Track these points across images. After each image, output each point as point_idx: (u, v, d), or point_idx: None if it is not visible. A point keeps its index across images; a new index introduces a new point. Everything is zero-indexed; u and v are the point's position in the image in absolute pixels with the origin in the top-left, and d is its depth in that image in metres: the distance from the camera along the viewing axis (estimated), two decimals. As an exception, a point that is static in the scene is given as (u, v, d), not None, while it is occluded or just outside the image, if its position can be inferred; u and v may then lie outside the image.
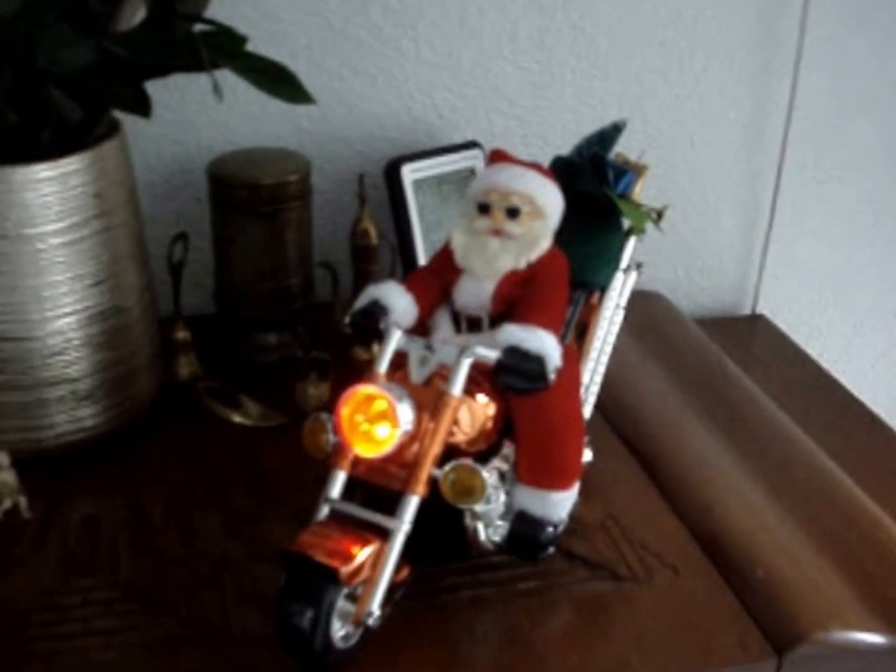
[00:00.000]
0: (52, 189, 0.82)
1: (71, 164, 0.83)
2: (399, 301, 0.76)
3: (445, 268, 0.78)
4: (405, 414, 0.69)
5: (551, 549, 0.79)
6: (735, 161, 1.33)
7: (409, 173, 1.11)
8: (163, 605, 0.77)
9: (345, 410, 0.70)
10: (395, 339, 0.74)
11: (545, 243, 0.77)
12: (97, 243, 0.87)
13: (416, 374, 0.74)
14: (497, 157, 0.81)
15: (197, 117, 1.14)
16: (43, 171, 0.82)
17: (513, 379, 0.70)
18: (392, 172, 1.11)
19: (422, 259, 1.11)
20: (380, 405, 0.69)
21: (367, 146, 1.20)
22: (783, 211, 1.36)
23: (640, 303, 1.27)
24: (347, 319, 0.76)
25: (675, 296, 1.36)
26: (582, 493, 0.82)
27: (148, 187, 1.14)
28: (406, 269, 1.12)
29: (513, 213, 0.76)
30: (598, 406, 0.99)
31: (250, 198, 1.03)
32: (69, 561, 0.81)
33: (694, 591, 0.80)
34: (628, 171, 0.89)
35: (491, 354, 0.70)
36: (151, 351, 0.97)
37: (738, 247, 1.39)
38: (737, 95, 1.29)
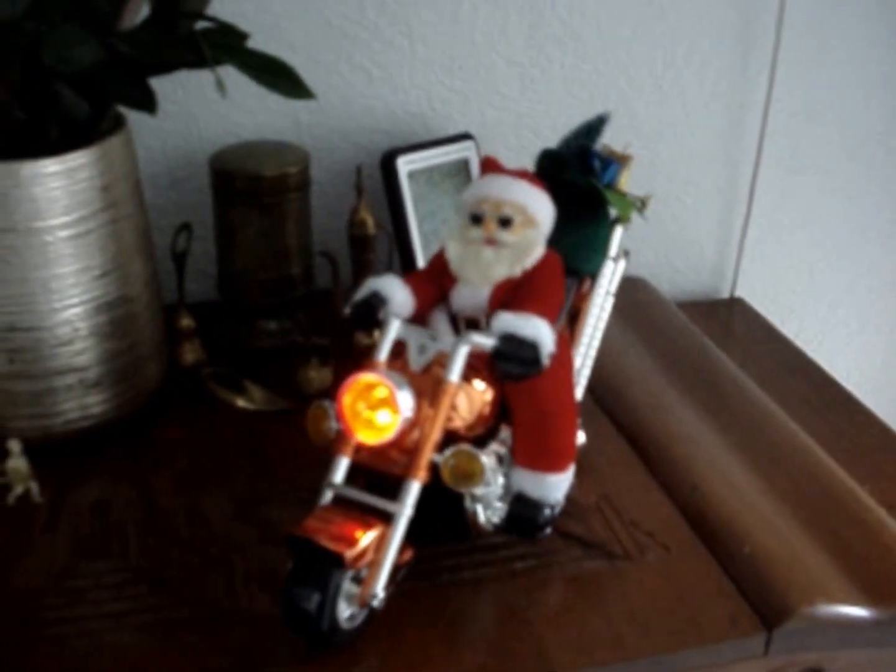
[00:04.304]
0: (59, 183, 0.80)
1: (78, 159, 0.81)
2: (397, 293, 0.75)
3: (442, 273, 0.77)
4: (405, 401, 0.68)
5: (548, 530, 0.78)
6: (715, 152, 1.31)
7: (404, 165, 1.09)
8: (172, 587, 0.75)
9: (347, 398, 0.68)
10: (395, 328, 0.72)
11: (538, 250, 0.76)
12: (104, 235, 0.84)
13: (415, 361, 0.72)
14: (488, 166, 0.79)
15: (199, 111, 1.11)
16: (50, 166, 0.79)
17: (508, 365, 0.69)
18: (388, 164, 1.08)
19: (417, 247, 1.09)
20: (380, 392, 0.68)
21: (364, 138, 1.17)
22: (760, 199, 1.35)
23: (625, 288, 1.25)
24: (348, 310, 0.74)
25: (658, 281, 1.34)
26: (576, 474, 0.80)
27: (152, 179, 1.11)
28: (402, 257, 1.10)
29: (505, 222, 0.75)
30: (589, 389, 0.97)
31: (251, 189, 1.00)
32: (80, 545, 0.79)
33: (685, 569, 0.78)
34: (613, 162, 0.87)
35: (487, 342, 0.69)
36: (157, 339, 0.94)
37: (718, 233, 1.37)
38: (717, 89, 1.27)
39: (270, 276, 1.05)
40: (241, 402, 0.97)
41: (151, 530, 0.81)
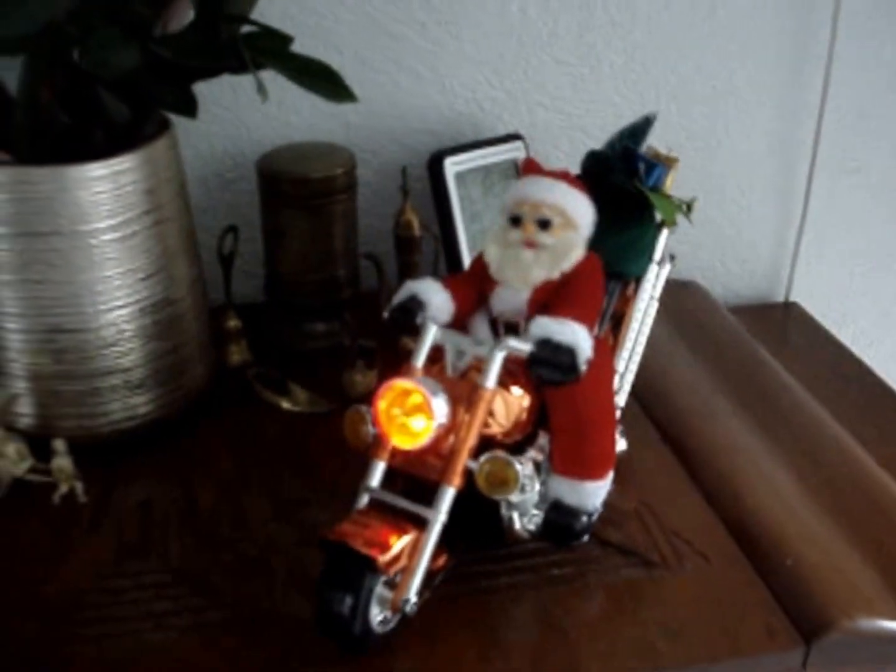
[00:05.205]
0: (104, 187, 0.81)
1: (122, 163, 0.82)
2: (435, 297, 0.75)
3: (482, 276, 0.77)
4: (440, 407, 0.68)
5: (585, 537, 0.78)
6: (769, 151, 1.29)
7: (451, 166, 1.09)
8: (212, 588, 0.76)
9: (382, 404, 0.69)
10: (432, 334, 0.72)
11: (578, 253, 0.75)
12: (148, 238, 0.85)
13: (453, 367, 0.72)
14: (528, 168, 0.79)
15: (248, 113, 1.13)
16: (95, 170, 0.81)
17: (545, 371, 0.69)
18: (435, 165, 1.09)
19: (464, 249, 1.09)
20: (415, 399, 0.68)
21: (412, 139, 1.18)
22: (816, 200, 1.33)
23: (676, 291, 1.26)
24: (386, 314, 0.75)
25: (711, 284, 1.33)
26: (616, 480, 0.80)
27: (202, 181, 1.13)
28: (449, 259, 1.11)
29: (544, 224, 0.75)
30: (633, 393, 0.97)
31: (298, 191, 1.02)
32: (122, 545, 0.80)
33: (723, 579, 0.78)
34: (658, 165, 0.87)
35: (524, 347, 0.69)
36: (202, 340, 0.96)
37: (772, 235, 1.35)
38: (771, 87, 1.25)
39: (317, 277, 1.06)
40: (285, 404, 0.99)
41: (193, 531, 0.82)
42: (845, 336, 1.29)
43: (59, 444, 0.83)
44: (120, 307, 0.85)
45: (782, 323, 1.33)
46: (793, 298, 1.38)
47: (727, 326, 1.19)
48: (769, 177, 1.31)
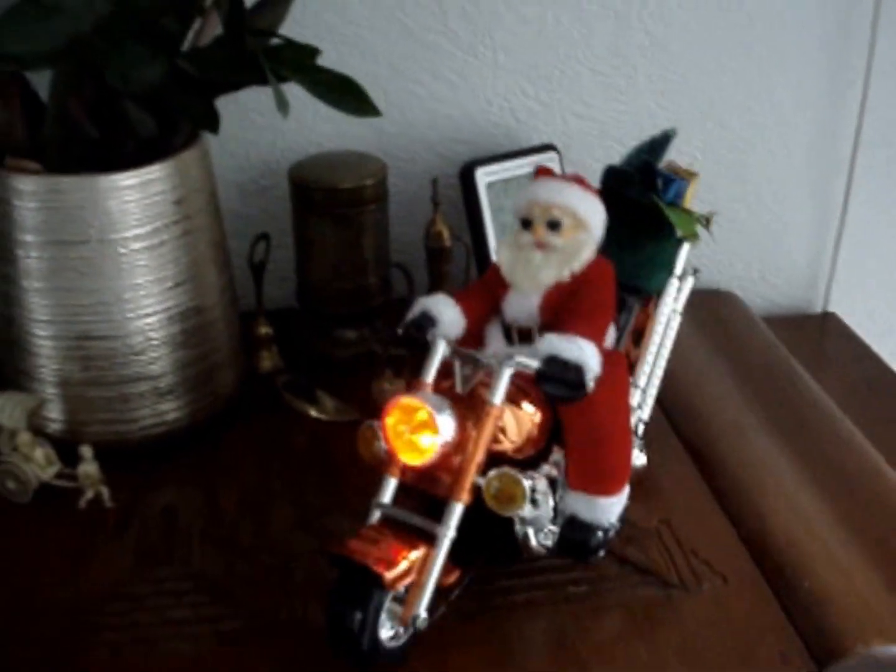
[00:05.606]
0: (133, 196, 0.82)
1: (152, 173, 0.83)
2: (446, 312, 0.75)
3: (495, 282, 0.77)
4: (445, 424, 0.68)
5: (602, 553, 0.77)
6: (808, 161, 1.27)
7: (483, 176, 1.09)
8: (232, 596, 0.76)
9: (389, 420, 0.69)
10: (441, 350, 0.73)
11: (588, 254, 0.75)
12: (177, 247, 0.86)
13: (461, 383, 0.72)
14: (541, 173, 0.79)
15: (282, 121, 1.12)
16: (125, 179, 0.82)
17: (552, 388, 0.68)
18: (466, 175, 1.09)
19: (495, 259, 1.09)
20: (421, 415, 0.68)
21: (446, 148, 1.18)
22: (855, 209, 1.30)
23: (712, 302, 1.25)
24: (399, 331, 0.75)
25: (748, 294, 1.31)
26: (639, 497, 0.79)
27: (236, 187, 1.14)
28: (480, 268, 1.10)
29: (554, 225, 0.74)
30: (661, 406, 0.96)
31: (328, 201, 1.02)
32: (146, 551, 0.81)
33: (740, 601, 0.77)
34: (677, 179, 0.86)
35: (531, 364, 0.69)
36: (232, 347, 0.96)
37: (810, 245, 1.33)
38: (810, 97, 1.23)
39: (347, 286, 1.06)
40: (313, 412, 0.99)
41: (216, 538, 0.83)
42: (885, 349, 1.27)
43: (86, 450, 0.84)
44: (148, 315, 0.86)
45: (818, 335, 1.31)
46: (831, 309, 1.36)
47: (761, 338, 1.17)
48: (807, 186, 1.29)
